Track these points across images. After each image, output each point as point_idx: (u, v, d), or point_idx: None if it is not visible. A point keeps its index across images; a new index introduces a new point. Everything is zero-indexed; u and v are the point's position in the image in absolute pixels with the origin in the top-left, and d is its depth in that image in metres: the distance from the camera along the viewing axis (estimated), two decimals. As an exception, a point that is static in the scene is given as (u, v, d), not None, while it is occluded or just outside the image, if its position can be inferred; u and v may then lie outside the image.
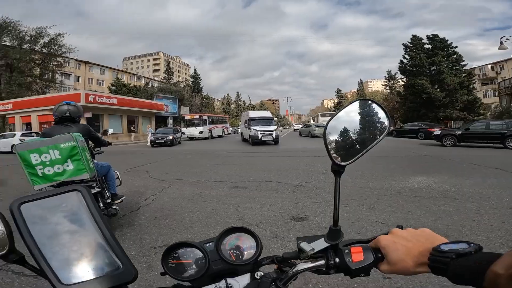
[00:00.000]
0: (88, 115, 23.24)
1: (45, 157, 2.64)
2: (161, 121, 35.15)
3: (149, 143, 21.25)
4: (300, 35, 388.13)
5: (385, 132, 0.58)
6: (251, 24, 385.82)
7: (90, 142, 3.43)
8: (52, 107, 3.43)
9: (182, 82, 61.42)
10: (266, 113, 20.90)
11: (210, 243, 0.65)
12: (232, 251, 0.65)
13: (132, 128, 28.89)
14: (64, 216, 0.51)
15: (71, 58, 41.30)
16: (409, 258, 0.46)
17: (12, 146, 16.58)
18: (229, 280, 0.60)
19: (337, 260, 0.53)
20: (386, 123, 0.58)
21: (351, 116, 0.59)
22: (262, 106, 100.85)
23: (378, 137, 0.57)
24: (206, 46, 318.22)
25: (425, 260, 0.44)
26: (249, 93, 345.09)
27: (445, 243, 0.43)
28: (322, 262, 0.53)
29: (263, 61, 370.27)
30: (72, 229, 0.50)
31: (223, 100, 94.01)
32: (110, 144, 3.93)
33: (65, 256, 0.47)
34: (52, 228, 0.49)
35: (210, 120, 30.28)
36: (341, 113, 0.60)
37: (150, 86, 47.17)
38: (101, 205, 3.19)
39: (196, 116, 28.80)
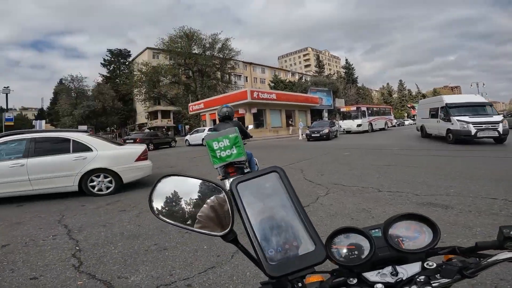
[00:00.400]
0: (254, 110, 26.07)
1: (221, 144, 3.73)
2: (316, 114, 35.15)
3: (301, 137, 21.17)
4: (479, 13, 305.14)
5: None
6: (402, 8, 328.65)
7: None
8: (229, 104, 4.80)
9: (334, 74, 59.76)
10: (476, 98, 13.51)
11: (377, 229, 0.63)
12: (401, 238, 0.61)
13: (290, 122, 30.33)
14: (268, 196, 0.54)
15: (239, 61, 48.33)
16: None
17: (203, 139, 14.72)
18: (397, 267, 0.56)
19: None
20: None
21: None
22: (435, 94, 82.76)
23: None
24: (352, 37, 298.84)
25: None
26: (414, 81, 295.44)
27: None
28: None
29: (427, 46, 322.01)
30: (275, 208, 0.52)
31: (382, 90, 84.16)
32: (251, 137, 4.85)
33: (270, 235, 0.50)
34: (260, 208, 0.52)
35: (369, 111, 27.16)
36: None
37: (303, 80, 48.57)
38: None
39: (353, 108, 26.47)
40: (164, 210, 0.56)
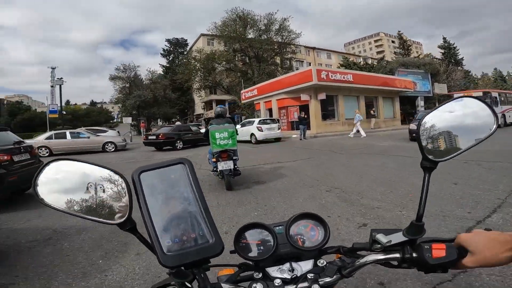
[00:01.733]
0: (322, 97, 19.15)
1: (222, 135, 5.06)
2: (406, 103, 26.13)
3: (363, 134, 14.75)
4: None
5: (489, 133, 0.55)
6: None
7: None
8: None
9: (426, 55, 47.35)
10: None
11: (280, 227, 0.67)
12: (299, 236, 0.67)
13: (371, 112, 22.42)
14: (171, 187, 0.54)
15: (300, 45, 41.42)
16: (496, 245, 0.45)
17: (251, 135, 16.06)
18: (293, 264, 0.62)
19: (414, 255, 0.53)
20: (492, 123, 0.54)
21: (451, 113, 0.56)
22: None
23: (479, 137, 0.54)
24: (433, 23, 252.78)
25: None
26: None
27: None
28: (397, 255, 0.54)
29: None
30: (178, 200, 0.53)
31: (483, 77, 65.92)
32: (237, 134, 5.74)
33: (169, 226, 0.50)
34: (162, 198, 0.52)
35: (501, 99, 17.70)
36: (440, 109, 0.57)
37: (385, 62, 38.65)
38: (235, 167, 5.27)
39: (479, 93, 17.39)
40: (51, 196, 0.51)
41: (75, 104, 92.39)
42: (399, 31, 60.76)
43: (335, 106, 21.24)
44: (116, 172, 0.54)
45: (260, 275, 0.61)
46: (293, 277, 0.59)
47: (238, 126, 16.19)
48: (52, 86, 29.00)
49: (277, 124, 16.80)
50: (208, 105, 44.33)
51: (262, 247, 0.64)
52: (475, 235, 0.49)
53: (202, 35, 44.51)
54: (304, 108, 19.63)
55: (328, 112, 20.97)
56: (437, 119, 0.56)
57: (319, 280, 0.57)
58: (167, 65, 50.53)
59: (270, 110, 24.23)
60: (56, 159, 0.54)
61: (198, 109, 47.25)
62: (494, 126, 0.54)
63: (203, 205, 0.53)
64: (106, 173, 0.54)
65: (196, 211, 0.52)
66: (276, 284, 0.57)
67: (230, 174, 5.13)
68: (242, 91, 28.07)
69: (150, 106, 34.78)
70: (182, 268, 0.50)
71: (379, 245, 0.55)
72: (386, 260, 0.55)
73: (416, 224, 0.53)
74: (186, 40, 53.56)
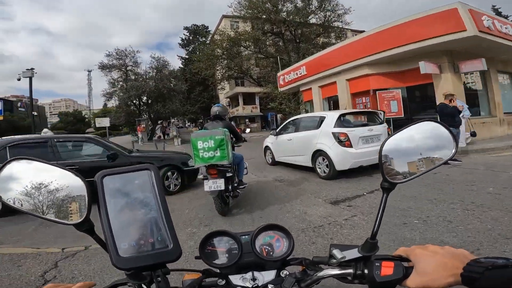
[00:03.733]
0: (475, 67, 8.38)
1: (205, 144, 3.58)
2: None
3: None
4: None
5: (446, 159, 0.57)
6: None
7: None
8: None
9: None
10: None
11: (246, 236, 0.69)
12: (264, 246, 0.68)
13: None
14: (134, 192, 0.53)
15: (347, 28, 29.56)
16: (441, 270, 0.45)
17: (316, 154, 6.79)
18: (256, 273, 0.63)
19: (366, 271, 0.54)
20: (451, 149, 0.57)
21: (413, 136, 0.58)
22: None
23: (437, 162, 0.57)
24: None
25: (458, 272, 0.43)
26: None
27: (485, 257, 0.43)
28: (350, 271, 0.55)
29: None
30: (139, 205, 0.53)
31: None
32: (245, 141, 5.04)
33: (127, 230, 0.50)
34: (123, 203, 0.52)
35: None
36: (404, 132, 0.59)
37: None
38: (230, 187, 3.92)
39: None
40: (10, 194, 0.51)
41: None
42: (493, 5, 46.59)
43: (485, 89, 10.21)
44: (76, 174, 0.53)
45: (223, 282, 0.62)
46: (254, 286, 0.60)
47: (272, 137, 8.12)
48: (90, 89, 21.73)
49: (383, 125, 6.45)
50: (234, 100, 34.79)
51: (227, 255, 0.66)
52: (430, 255, 0.48)
53: (224, 16, 35.26)
54: (421, 88, 8.97)
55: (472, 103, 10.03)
56: (399, 141, 0.58)
57: None
58: (186, 56, 42.19)
59: (332, 101, 13.78)
60: (17, 158, 0.54)
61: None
62: (453, 151, 0.56)
63: (165, 211, 0.53)
64: (66, 174, 0.53)
65: (157, 217, 0.52)
66: None
67: (227, 195, 4.00)
68: (279, 74, 17.88)
69: (154, 102, 25.71)
70: (138, 270, 0.50)
71: (335, 260, 0.55)
72: (340, 275, 0.56)
73: (370, 242, 0.55)
74: (207, 27, 44.78)
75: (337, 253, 0.55)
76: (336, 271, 0.56)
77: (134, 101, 23.83)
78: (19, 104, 46.10)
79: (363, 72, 11.24)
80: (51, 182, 0.52)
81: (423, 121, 0.59)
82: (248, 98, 32.02)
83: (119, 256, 0.48)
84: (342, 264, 0.56)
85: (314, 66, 14.09)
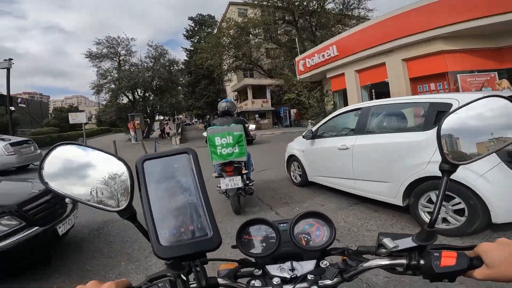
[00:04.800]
0: None
1: (224, 141, 3.46)
2: None
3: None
4: None
5: None
6: None
7: None
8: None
9: None
10: None
11: (285, 224, 0.65)
12: (303, 235, 0.65)
13: None
14: (174, 176, 0.51)
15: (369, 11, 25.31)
16: None
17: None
18: (294, 263, 0.60)
19: (422, 262, 0.50)
20: None
21: (475, 113, 0.52)
22: None
23: (504, 141, 0.50)
24: None
25: None
26: None
27: None
28: (403, 261, 0.51)
29: None
30: (179, 190, 0.50)
31: None
32: (253, 138, 5.89)
33: (168, 216, 0.48)
34: (163, 187, 0.50)
35: None
36: (464, 109, 0.52)
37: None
38: (242, 183, 3.54)
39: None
40: (55, 180, 0.51)
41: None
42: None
43: None
44: (120, 159, 0.52)
45: (260, 272, 0.60)
46: (292, 276, 0.57)
47: (302, 142, 5.01)
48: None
49: None
50: (242, 94, 31.24)
51: (264, 244, 0.63)
52: (498, 247, 0.45)
53: (231, 3, 31.74)
54: None
55: None
56: (460, 120, 0.52)
57: (319, 282, 0.55)
58: (191, 48, 38.77)
59: (374, 89, 10.14)
60: (62, 143, 0.53)
61: (230, 101, 34.55)
62: None
63: (204, 197, 0.49)
64: (110, 159, 0.52)
65: (197, 203, 0.49)
66: (275, 282, 0.56)
67: (240, 193, 3.70)
68: (298, 58, 14.26)
69: (151, 95, 22.13)
70: (178, 260, 0.48)
71: (385, 250, 0.52)
72: (392, 266, 0.52)
73: (427, 231, 0.50)
74: (213, 17, 41.22)
75: (388, 242, 0.51)
76: (386, 261, 0.51)
77: (127, 94, 20.44)
78: (19, 100, 43.94)
79: (434, 48, 7.64)
80: (95, 167, 0.51)
81: (488, 96, 0.51)
82: (258, 92, 28.38)
83: (160, 245, 0.45)
84: (393, 254, 0.51)
85: (350, 45, 10.43)
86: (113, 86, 19.38)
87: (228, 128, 3.53)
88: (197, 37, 39.57)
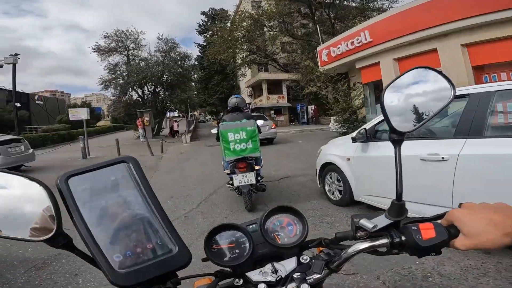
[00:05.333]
0: None
1: (237, 136, 3.36)
2: None
3: None
4: None
5: (448, 100, 0.53)
6: None
7: None
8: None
9: None
10: None
11: (254, 225, 0.61)
12: (276, 233, 0.61)
13: None
14: (112, 191, 0.44)
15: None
16: (493, 228, 0.41)
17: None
18: (276, 265, 0.55)
19: (403, 238, 0.47)
20: (450, 90, 0.53)
21: (410, 83, 0.54)
22: None
23: (440, 105, 0.53)
24: None
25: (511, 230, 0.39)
26: None
27: None
28: (386, 241, 0.48)
29: None
30: (122, 205, 0.44)
31: None
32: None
33: (116, 238, 0.41)
34: (101, 205, 0.43)
35: None
36: (399, 81, 0.55)
37: None
38: (255, 179, 3.41)
39: None
40: None
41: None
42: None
43: None
44: (33, 180, 0.43)
45: (241, 281, 0.54)
46: (278, 279, 0.53)
47: (348, 145, 3.61)
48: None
49: None
50: (256, 90, 29.69)
51: (237, 250, 0.57)
52: (469, 214, 0.44)
53: (245, -5, 30.16)
54: None
55: None
56: (398, 89, 0.54)
57: (307, 278, 0.51)
58: (204, 43, 37.52)
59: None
60: None
61: (244, 97, 33.14)
62: (452, 92, 0.53)
63: (157, 209, 0.44)
64: (22, 181, 0.43)
65: (150, 217, 0.43)
66: None
67: (252, 190, 3.48)
68: (321, 47, 12.57)
69: (161, 90, 20.83)
70: (143, 286, 0.41)
71: (364, 232, 0.49)
72: (376, 247, 0.49)
73: (397, 204, 0.49)
74: (226, 11, 39.77)
75: (366, 222, 0.48)
76: (368, 244, 0.48)
77: (136, 89, 19.30)
78: (36, 97, 44.35)
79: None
80: (9, 193, 0.42)
81: (413, 68, 0.55)
82: (274, 87, 26.74)
83: (115, 271, 0.39)
84: (372, 236, 0.49)
85: (388, 29, 8.70)
86: (121, 81, 18.26)
87: (241, 124, 3.44)
88: (210, 32, 38.34)
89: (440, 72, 0.54)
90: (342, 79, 12.26)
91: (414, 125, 0.52)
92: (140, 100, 19.94)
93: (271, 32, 23.06)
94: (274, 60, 25.48)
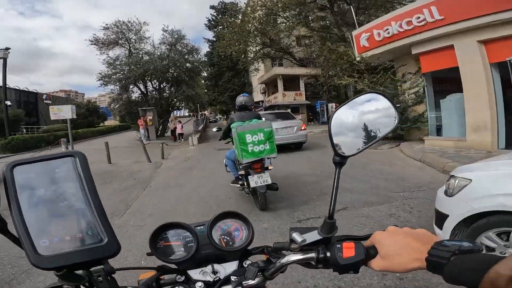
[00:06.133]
0: None
1: (255, 138, 3.33)
2: None
3: None
4: None
5: (392, 127, 0.55)
6: None
7: None
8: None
9: None
10: None
11: (202, 227, 0.63)
12: (223, 236, 0.63)
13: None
14: (55, 182, 0.46)
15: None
16: (404, 253, 0.43)
17: None
18: (216, 266, 0.59)
19: (328, 254, 0.50)
20: (394, 118, 0.55)
21: (358, 108, 0.56)
22: None
23: (384, 131, 0.55)
24: None
25: (422, 256, 0.40)
26: None
27: (448, 240, 0.40)
28: (313, 255, 0.51)
29: None
30: (60, 196, 0.46)
31: None
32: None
33: (47, 225, 0.43)
34: (40, 194, 0.45)
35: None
36: (348, 105, 0.57)
37: None
38: (270, 181, 3.41)
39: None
40: None
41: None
42: None
43: None
44: None
45: (183, 278, 0.58)
46: (215, 279, 0.56)
47: None
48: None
49: None
50: (270, 86, 27.21)
51: (183, 249, 0.60)
52: (389, 237, 0.46)
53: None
54: None
55: None
56: (346, 114, 0.56)
57: (243, 282, 0.54)
58: (214, 39, 35.22)
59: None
60: None
61: (257, 94, 30.65)
62: (396, 122, 0.54)
63: (95, 202, 0.46)
64: None
65: (85, 209, 0.45)
66: (198, 287, 0.55)
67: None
68: (359, 31, 10.01)
69: (166, 85, 18.47)
70: (69, 270, 0.44)
71: (296, 245, 0.51)
72: (303, 261, 0.51)
73: (328, 222, 0.51)
74: (236, 4, 37.39)
75: (296, 236, 0.51)
76: (298, 257, 0.51)
77: (138, 84, 17.10)
78: (44, 96, 43.30)
79: None
80: None
81: (366, 93, 0.56)
82: (289, 83, 24.21)
83: (39, 254, 0.41)
84: (304, 249, 0.51)
85: (470, 3, 6.16)
86: (121, 75, 16.03)
87: (258, 125, 3.44)
88: (220, 27, 36.01)
89: (388, 99, 0.55)
90: (386, 69, 9.73)
91: (357, 150, 0.53)
92: (143, 97, 17.74)
93: (287, 23, 20.59)
94: (289, 54, 22.96)
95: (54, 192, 0.45)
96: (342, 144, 0.53)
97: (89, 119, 29.16)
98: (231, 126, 3.62)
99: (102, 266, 0.46)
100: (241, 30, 19.78)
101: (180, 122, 16.45)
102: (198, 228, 0.62)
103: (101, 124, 33.09)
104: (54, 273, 0.43)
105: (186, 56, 18.90)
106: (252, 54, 22.43)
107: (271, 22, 20.47)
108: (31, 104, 39.28)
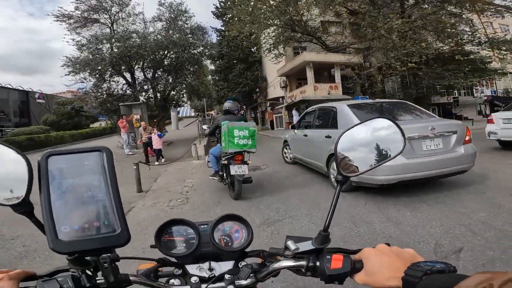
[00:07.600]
0: None
1: (241, 133, 3.92)
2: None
3: None
4: None
5: (396, 154, 0.57)
6: None
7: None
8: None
9: None
10: None
11: (205, 226, 0.66)
12: (223, 237, 0.66)
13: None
14: (82, 174, 0.49)
15: None
16: (385, 270, 0.45)
17: None
18: (213, 263, 0.61)
19: (317, 263, 0.52)
20: (401, 145, 0.57)
21: (367, 132, 0.58)
22: None
23: (388, 156, 0.57)
24: None
25: (400, 275, 0.42)
26: None
27: (424, 261, 0.42)
28: (303, 263, 0.53)
29: None
30: (86, 187, 0.48)
31: None
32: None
33: (70, 213, 0.46)
34: (68, 184, 0.48)
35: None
36: (358, 128, 0.59)
37: None
38: (247, 171, 4.03)
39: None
40: None
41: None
42: None
43: None
44: (18, 152, 0.48)
45: (180, 271, 0.60)
46: (210, 276, 0.58)
47: None
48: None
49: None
50: (293, 79, 22.03)
51: (185, 245, 0.63)
52: (375, 255, 0.47)
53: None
54: None
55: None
56: (353, 136, 0.58)
57: (235, 282, 0.56)
58: (222, 28, 30.34)
59: None
60: None
61: (274, 89, 25.54)
62: (402, 147, 0.57)
63: (114, 195, 0.48)
64: (6, 151, 0.48)
65: (105, 201, 0.47)
66: (193, 281, 0.57)
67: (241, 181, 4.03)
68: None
69: (161, 72, 13.45)
70: (81, 255, 0.46)
71: (290, 252, 0.54)
72: (294, 267, 0.54)
73: (322, 234, 0.54)
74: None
75: (290, 244, 0.54)
76: (290, 263, 0.54)
77: (124, 72, 12.21)
78: (36, 95, 39.36)
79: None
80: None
81: (377, 118, 0.59)
82: (318, 74, 19.17)
83: (58, 239, 0.43)
84: (297, 256, 0.54)
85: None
86: (96, 56, 11.01)
87: (246, 124, 4.09)
88: (229, 14, 31.12)
89: (398, 125, 0.58)
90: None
91: (359, 171, 0.56)
92: (128, 87, 12.73)
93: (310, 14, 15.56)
94: (318, 39, 17.84)
95: (80, 183, 0.47)
96: (347, 164, 0.55)
97: (75, 120, 24.45)
98: (221, 123, 4.13)
99: (109, 254, 0.47)
100: (256, 8, 14.81)
101: (158, 130, 9.75)
102: (202, 227, 0.65)
103: (90, 126, 28.27)
104: (66, 257, 0.45)
105: (190, 37, 13.90)
106: (270, 39, 17.38)
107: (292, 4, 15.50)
108: (22, 103, 35.66)
